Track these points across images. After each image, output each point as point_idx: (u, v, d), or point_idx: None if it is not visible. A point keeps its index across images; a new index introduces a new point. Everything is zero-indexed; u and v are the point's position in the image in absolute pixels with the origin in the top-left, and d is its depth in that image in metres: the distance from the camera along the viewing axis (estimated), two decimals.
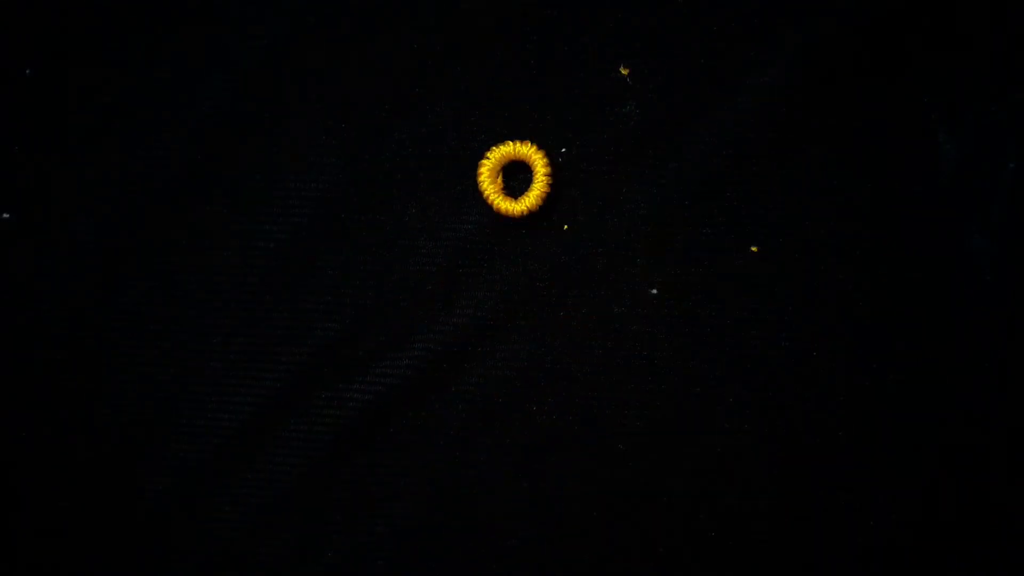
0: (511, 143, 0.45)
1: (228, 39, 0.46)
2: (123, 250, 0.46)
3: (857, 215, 0.45)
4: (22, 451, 0.46)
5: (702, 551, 0.45)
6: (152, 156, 0.46)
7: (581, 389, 0.45)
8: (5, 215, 0.46)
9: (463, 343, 0.45)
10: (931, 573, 0.44)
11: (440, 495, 0.45)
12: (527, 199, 0.45)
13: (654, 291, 0.45)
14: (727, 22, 0.45)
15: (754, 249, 0.45)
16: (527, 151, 0.45)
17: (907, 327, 0.45)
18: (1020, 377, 0.45)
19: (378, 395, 0.45)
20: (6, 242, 0.46)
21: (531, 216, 0.45)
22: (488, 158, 0.45)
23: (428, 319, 0.46)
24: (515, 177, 0.46)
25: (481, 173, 0.45)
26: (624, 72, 0.45)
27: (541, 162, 0.44)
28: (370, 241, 0.46)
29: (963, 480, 0.45)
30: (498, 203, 0.45)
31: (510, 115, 0.46)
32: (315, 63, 0.46)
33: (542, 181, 0.45)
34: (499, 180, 0.45)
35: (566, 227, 0.46)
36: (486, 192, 0.45)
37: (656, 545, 0.45)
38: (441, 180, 0.46)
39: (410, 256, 0.46)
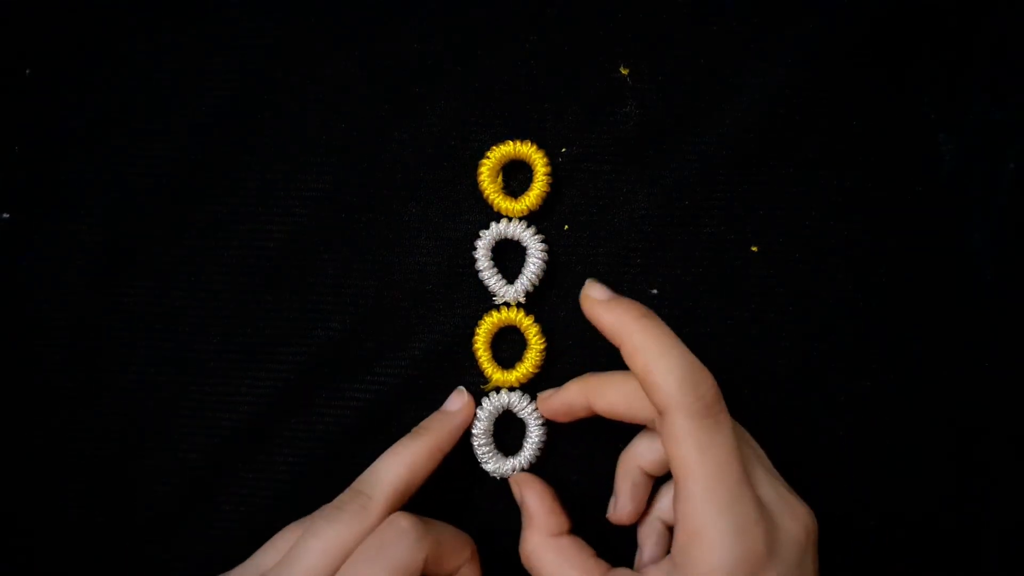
0: (511, 143, 0.45)
1: (228, 39, 0.46)
2: (123, 250, 0.46)
3: (857, 215, 0.45)
4: (22, 451, 0.46)
5: None
6: (152, 156, 0.46)
7: None
8: (5, 215, 0.46)
9: (463, 343, 0.45)
10: (931, 573, 0.45)
11: (440, 495, 0.45)
12: (527, 199, 0.45)
13: (654, 291, 0.45)
14: (727, 22, 0.45)
15: (754, 249, 0.45)
16: (527, 151, 0.44)
17: (907, 327, 0.45)
18: (1020, 377, 0.45)
19: (378, 395, 0.45)
20: (6, 242, 0.46)
21: (531, 216, 0.45)
22: (488, 158, 0.45)
23: (428, 319, 0.45)
24: (515, 177, 0.46)
25: (481, 173, 0.45)
26: (624, 72, 0.45)
27: (541, 162, 0.44)
28: (370, 241, 0.46)
29: (964, 479, 0.45)
30: (498, 203, 0.45)
31: (510, 115, 0.46)
32: (315, 63, 0.46)
33: (542, 181, 0.44)
34: (499, 180, 0.45)
35: (566, 227, 0.46)
36: (486, 192, 0.45)
37: None
38: (441, 180, 0.46)
39: (410, 256, 0.46)
